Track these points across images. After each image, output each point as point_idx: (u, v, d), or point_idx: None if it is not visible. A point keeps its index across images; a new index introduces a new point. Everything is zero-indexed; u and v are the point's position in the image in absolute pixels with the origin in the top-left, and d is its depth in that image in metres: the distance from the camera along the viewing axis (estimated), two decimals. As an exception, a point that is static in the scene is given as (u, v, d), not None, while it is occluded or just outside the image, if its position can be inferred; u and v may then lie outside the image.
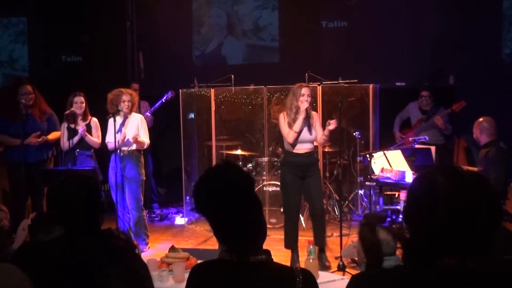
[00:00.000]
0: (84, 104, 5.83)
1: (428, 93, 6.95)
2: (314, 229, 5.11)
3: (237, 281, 1.72)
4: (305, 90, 4.94)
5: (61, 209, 2.17)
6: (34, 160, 5.60)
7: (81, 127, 5.71)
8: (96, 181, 2.29)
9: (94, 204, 2.18)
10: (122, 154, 5.55)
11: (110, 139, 5.53)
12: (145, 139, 5.61)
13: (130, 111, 5.61)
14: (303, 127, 4.94)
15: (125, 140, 5.50)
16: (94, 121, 5.93)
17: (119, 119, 5.57)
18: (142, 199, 5.67)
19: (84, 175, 2.29)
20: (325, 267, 4.86)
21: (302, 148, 5.00)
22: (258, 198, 1.81)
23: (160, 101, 7.15)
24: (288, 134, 4.95)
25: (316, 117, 5.11)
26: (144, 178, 5.71)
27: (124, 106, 5.51)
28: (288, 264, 4.79)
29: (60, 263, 2.04)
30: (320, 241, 4.99)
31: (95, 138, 5.83)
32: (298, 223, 5.22)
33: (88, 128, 5.83)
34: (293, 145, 5.00)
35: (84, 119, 5.86)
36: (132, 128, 5.55)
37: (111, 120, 5.50)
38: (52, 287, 1.97)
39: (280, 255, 5.08)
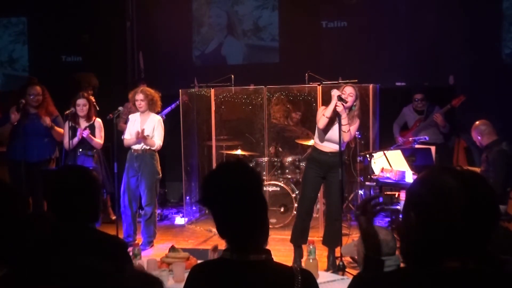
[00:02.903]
0: (86, 107, 5.82)
1: (421, 95, 6.96)
2: (325, 229, 5.13)
3: (236, 280, 1.72)
4: (346, 89, 4.87)
5: (52, 195, 2.19)
6: (35, 159, 5.61)
7: (85, 131, 5.71)
8: (91, 175, 2.29)
9: (85, 195, 2.18)
10: (136, 154, 5.61)
11: (126, 136, 5.65)
12: (156, 140, 5.60)
13: (147, 110, 5.62)
14: (333, 123, 4.84)
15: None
16: (98, 121, 5.93)
17: (137, 118, 5.64)
18: (157, 195, 5.73)
19: (81, 167, 2.31)
20: (330, 268, 4.87)
21: (327, 147, 4.95)
22: (265, 199, 1.81)
23: (174, 104, 7.04)
24: (320, 119, 4.89)
25: (355, 122, 4.97)
26: (160, 175, 5.75)
27: (137, 105, 5.60)
28: (288, 263, 4.79)
29: (44, 251, 2.06)
30: (328, 243, 5.01)
31: (98, 140, 5.85)
32: (309, 222, 5.12)
33: (92, 129, 5.82)
34: (321, 139, 4.97)
35: (88, 119, 5.86)
36: (150, 128, 5.59)
37: (131, 117, 5.69)
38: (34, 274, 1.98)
39: (280, 255, 5.08)
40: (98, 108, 6.13)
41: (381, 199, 2.07)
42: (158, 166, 5.67)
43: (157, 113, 5.87)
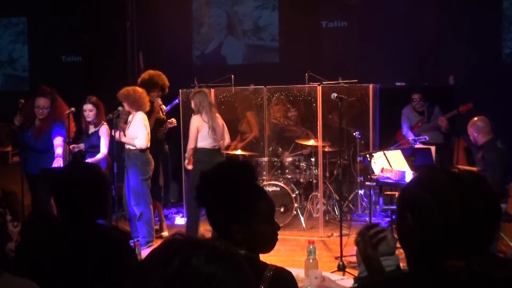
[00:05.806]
0: (93, 112, 5.58)
1: (419, 95, 6.84)
2: None
3: None
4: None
5: (59, 194, 2.19)
6: (37, 172, 5.40)
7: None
8: (98, 171, 2.29)
9: (92, 193, 2.18)
10: (124, 153, 5.62)
11: None
12: (136, 141, 5.46)
13: (132, 110, 5.59)
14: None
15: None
16: (103, 128, 5.64)
17: (131, 118, 5.66)
18: (147, 196, 5.59)
19: (88, 164, 2.31)
20: None
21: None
22: (256, 198, 1.79)
23: (176, 100, 7.01)
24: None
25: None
26: (148, 176, 5.60)
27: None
28: (288, 263, 4.80)
29: (53, 250, 2.07)
30: None
31: (99, 155, 5.58)
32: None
33: (95, 137, 5.66)
34: None
35: (96, 124, 5.67)
36: (133, 127, 5.55)
37: (130, 118, 5.67)
38: (46, 273, 2.00)
39: (280, 255, 5.07)
40: (165, 109, 6.27)
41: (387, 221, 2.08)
42: (145, 166, 5.55)
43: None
